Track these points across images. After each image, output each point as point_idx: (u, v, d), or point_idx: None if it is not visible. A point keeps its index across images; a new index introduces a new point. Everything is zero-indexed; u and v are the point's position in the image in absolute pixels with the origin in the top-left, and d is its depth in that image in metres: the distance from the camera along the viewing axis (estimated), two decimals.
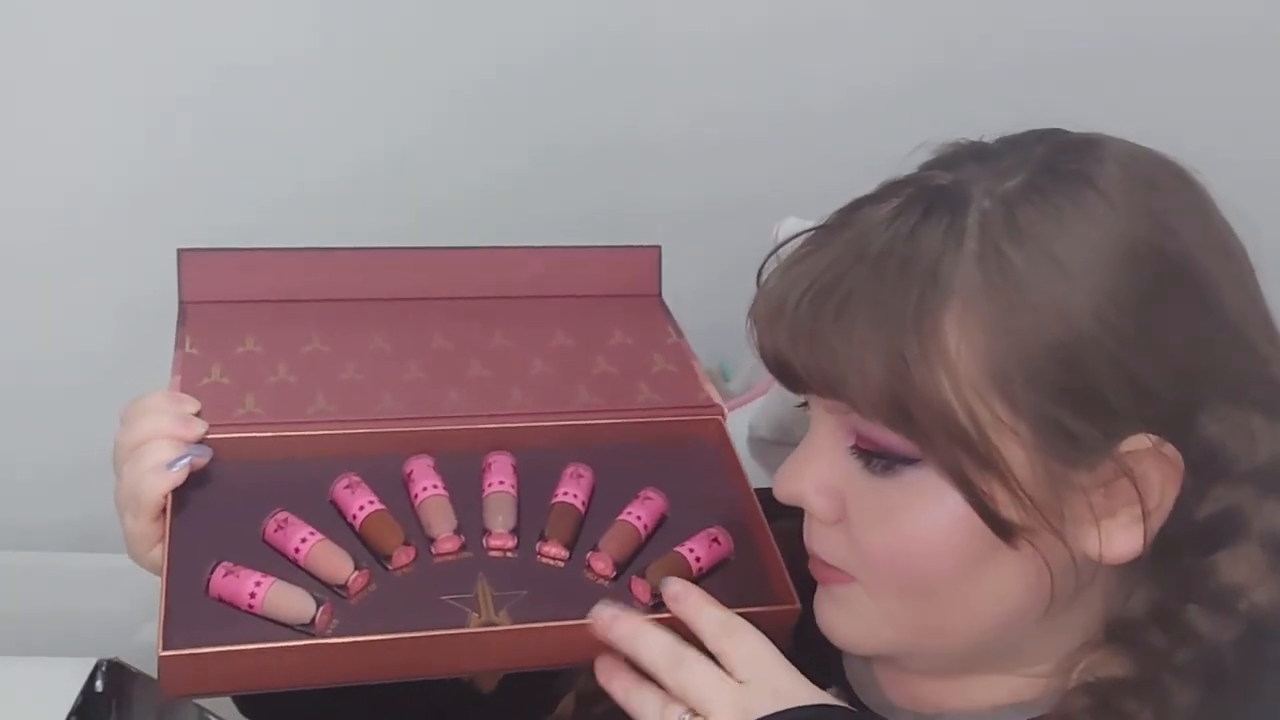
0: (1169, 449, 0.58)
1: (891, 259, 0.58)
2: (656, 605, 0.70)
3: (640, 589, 0.70)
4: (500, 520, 0.73)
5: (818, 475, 0.63)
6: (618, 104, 1.28)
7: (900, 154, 0.65)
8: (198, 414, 0.74)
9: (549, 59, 1.25)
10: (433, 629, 0.66)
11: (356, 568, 0.69)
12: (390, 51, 1.23)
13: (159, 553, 0.71)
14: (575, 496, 0.74)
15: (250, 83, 1.20)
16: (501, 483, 0.74)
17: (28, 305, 1.20)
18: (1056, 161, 0.60)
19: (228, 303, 0.84)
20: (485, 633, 0.66)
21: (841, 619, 0.65)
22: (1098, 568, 0.60)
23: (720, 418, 0.80)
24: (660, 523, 0.74)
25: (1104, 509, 0.59)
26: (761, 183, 1.21)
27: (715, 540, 0.73)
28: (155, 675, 0.81)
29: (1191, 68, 1.23)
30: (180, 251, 0.84)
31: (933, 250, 0.58)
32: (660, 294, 0.91)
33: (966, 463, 0.57)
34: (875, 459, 0.61)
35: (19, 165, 1.17)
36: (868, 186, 0.64)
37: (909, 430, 0.58)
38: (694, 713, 0.60)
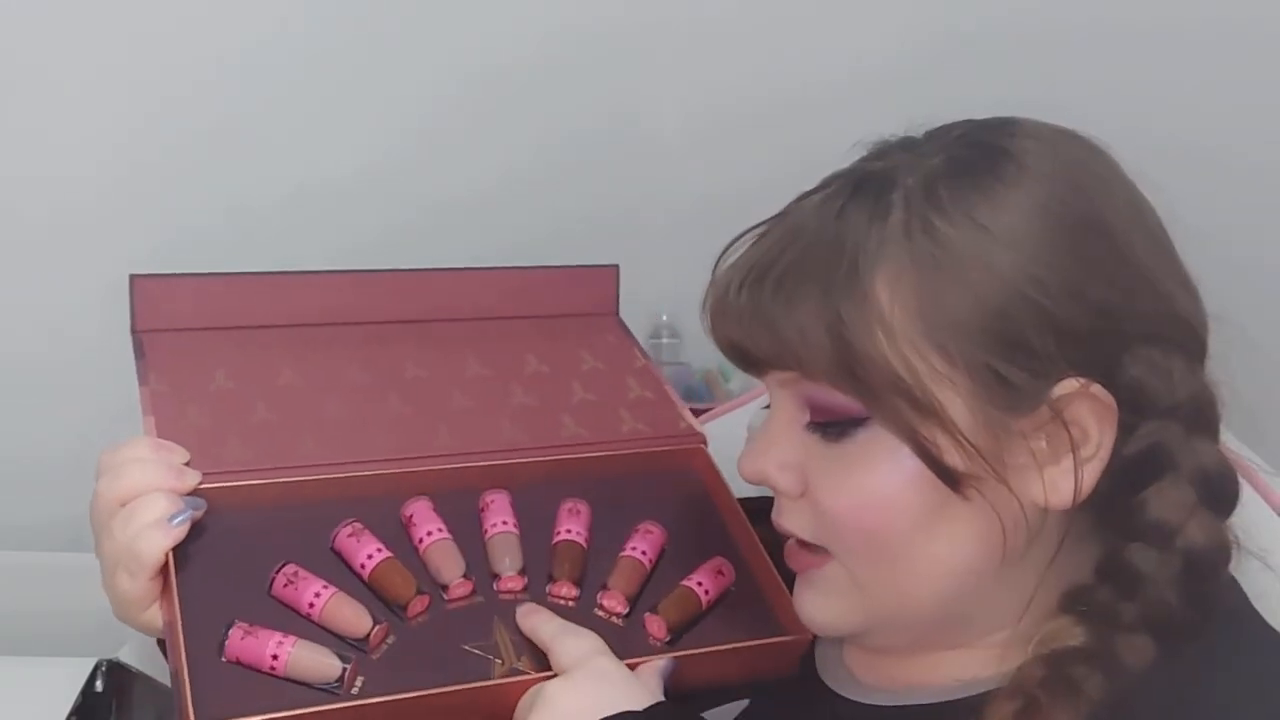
0: (1098, 389, 0.61)
1: (823, 235, 0.63)
2: (671, 641, 0.71)
3: (655, 625, 0.71)
4: (508, 563, 0.72)
5: (779, 454, 0.67)
6: (612, 99, 1.28)
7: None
8: (187, 464, 0.70)
9: (539, 56, 1.25)
10: (461, 681, 0.65)
11: (375, 621, 0.68)
12: (376, 53, 1.22)
13: (154, 613, 0.68)
14: (578, 534, 0.75)
15: (225, 88, 1.18)
16: (505, 523, 0.74)
17: (26, 303, 1.17)
18: (973, 138, 0.65)
19: (185, 331, 0.80)
20: (517, 682, 0.66)
21: (818, 602, 0.68)
22: (1044, 518, 0.63)
23: (703, 445, 0.82)
24: (661, 554, 0.76)
25: (1047, 456, 0.62)
26: (759, 177, 1.21)
27: (720, 572, 0.75)
28: (155, 675, 0.79)
29: (1197, 51, 1.27)
30: (132, 278, 0.80)
31: (860, 225, 0.62)
32: (618, 312, 0.92)
33: (909, 413, 0.61)
34: (830, 427, 0.64)
35: (4, 164, 1.13)
36: None
37: (853, 387, 0.62)
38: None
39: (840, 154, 0.69)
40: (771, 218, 0.67)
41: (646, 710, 0.63)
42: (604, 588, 0.73)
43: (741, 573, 0.76)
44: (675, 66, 1.30)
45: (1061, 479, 0.62)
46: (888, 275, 0.61)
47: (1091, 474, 0.62)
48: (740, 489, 0.79)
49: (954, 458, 0.61)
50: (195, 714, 0.61)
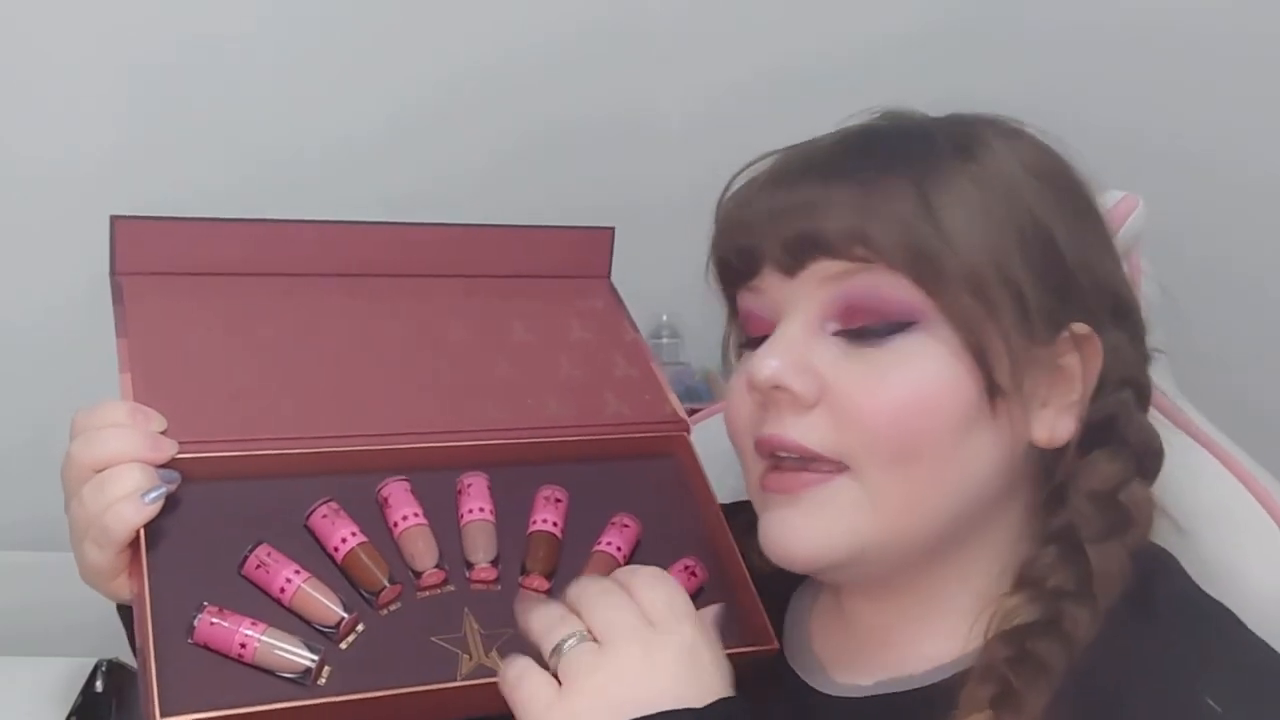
0: (1097, 340, 0.66)
1: (887, 140, 0.68)
2: None
3: None
4: (481, 553, 0.72)
5: (797, 356, 0.65)
6: (612, 99, 1.25)
7: None
8: (164, 432, 0.69)
9: (545, 41, 1.22)
10: (427, 679, 0.66)
11: (344, 611, 0.67)
12: (377, 38, 1.20)
13: (121, 583, 0.68)
14: (555, 525, 0.74)
15: (226, 57, 1.16)
16: (481, 509, 0.73)
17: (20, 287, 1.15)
18: (961, 120, 0.70)
19: (165, 275, 0.78)
20: (483, 684, 0.66)
21: (811, 525, 0.65)
22: (1029, 456, 0.67)
23: (686, 433, 0.81)
24: (635, 549, 0.76)
25: (1047, 394, 0.66)
26: None
27: (692, 573, 0.75)
28: None
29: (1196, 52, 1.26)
30: (113, 219, 0.77)
31: (919, 142, 0.67)
32: (609, 275, 0.90)
33: (977, 311, 0.63)
34: (865, 333, 0.64)
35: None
36: None
37: (926, 276, 0.63)
38: (590, 637, 0.60)
39: None
40: (789, 148, 0.70)
41: (708, 707, 0.59)
42: None
43: (713, 573, 0.76)
44: (677, 67, 1.27)
45: (1057, 418, 0.66)
46: (955, 188, 0.64)
47: (1075, 420, 0.66)
48: (721, 489, 0.79)
49: (1002, 366, 0.63)
50: (162, 706, 0.61)
